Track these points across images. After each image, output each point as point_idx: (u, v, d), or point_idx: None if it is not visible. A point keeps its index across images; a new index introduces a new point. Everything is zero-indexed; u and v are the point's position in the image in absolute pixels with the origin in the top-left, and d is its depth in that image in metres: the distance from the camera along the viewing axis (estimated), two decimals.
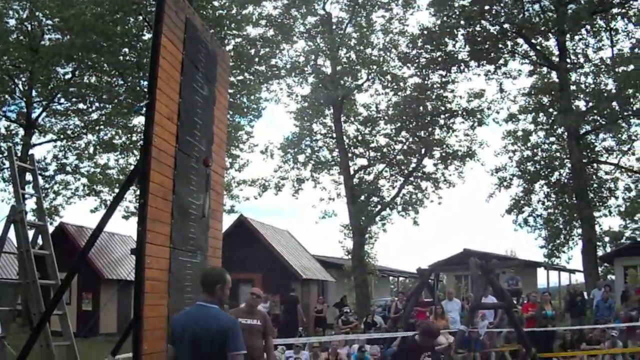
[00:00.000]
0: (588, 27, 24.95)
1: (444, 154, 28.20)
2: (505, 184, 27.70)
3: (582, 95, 25.99)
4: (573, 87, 25.69)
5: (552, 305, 16.07)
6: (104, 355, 6.02)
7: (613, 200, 27.57)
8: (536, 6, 25.80)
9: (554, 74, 26.18)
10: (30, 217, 19.29)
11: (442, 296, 16.96)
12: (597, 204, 27.06)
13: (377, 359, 14.68)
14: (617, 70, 24.37)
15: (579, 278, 32.38)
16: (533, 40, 25.79)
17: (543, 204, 27.70)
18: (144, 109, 5.51)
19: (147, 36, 22.05)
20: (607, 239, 31.98)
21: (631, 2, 24.30)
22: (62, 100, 26.65)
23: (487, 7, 25.15)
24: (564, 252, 26.94)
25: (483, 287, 15.18)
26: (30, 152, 24.23)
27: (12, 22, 25.29)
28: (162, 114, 5.54)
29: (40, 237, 8.71)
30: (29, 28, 25.63)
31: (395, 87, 27.95)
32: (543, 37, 26.07)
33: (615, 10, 24.63)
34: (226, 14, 23.73)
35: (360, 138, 29.20)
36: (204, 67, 6.60)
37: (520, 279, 19.18)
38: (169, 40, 5.68)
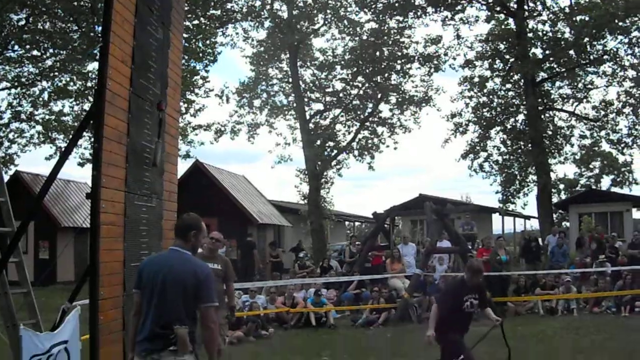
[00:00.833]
0: None
1: (400, 100, 28.39)
2: (461, 129, 28.06)
3: (539, 43, 26.19)
4: (530, 35, 25.86)
5: (507, 250, 16.34)
6: (61, 303, 6.01)
7: (568, 147, 28.25)
8: None
9: (511, 21, 26.32)
10: None
11: (398, 240, 17.23)
12: (553, 151, 27.62)
13: (333, 302, 15.05)
14: (574, 18, 24.50)
15: (534, 224, 33.29)
16: None
17: (498, 150, 28.17)
18: (98, 53, 5.42)
19: None
20: (562, 186, 32.90)
21: None
22: (16, 47, 25.85)
23: None
24: (519, 198, 27.68)
25: (438, 231, 15.55)
26: None
27: None
28: (116, 57, 5.46)
29: None
30: None
31: (352, 32, 27.77)
32: None
33: None
34: None
35: (316, 83, 29.10)
36: (159, 10, 6.47)
37: (475, 224, 19.55)
38: None
